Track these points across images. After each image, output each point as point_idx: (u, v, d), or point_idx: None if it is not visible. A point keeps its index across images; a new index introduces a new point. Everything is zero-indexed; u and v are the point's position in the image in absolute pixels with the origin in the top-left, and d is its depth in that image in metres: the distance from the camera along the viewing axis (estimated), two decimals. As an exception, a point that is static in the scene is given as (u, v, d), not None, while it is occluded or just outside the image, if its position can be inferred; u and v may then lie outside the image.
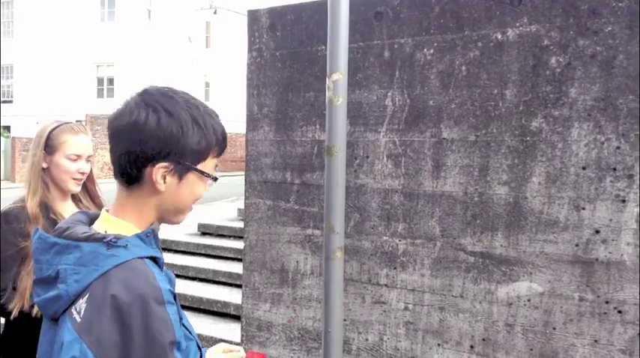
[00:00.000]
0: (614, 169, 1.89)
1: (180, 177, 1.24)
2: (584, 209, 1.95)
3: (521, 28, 2.05)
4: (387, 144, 2.37)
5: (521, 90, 2.05)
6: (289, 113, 2.66)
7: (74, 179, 2.03)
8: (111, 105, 29.25)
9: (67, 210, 2.05)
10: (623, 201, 1.88)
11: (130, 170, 1.22)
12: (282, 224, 2.68)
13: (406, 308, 2.34)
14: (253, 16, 2.81)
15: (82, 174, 2.03)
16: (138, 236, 1.21)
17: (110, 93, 30.28)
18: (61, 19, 31.73)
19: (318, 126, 2.56)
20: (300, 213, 2.62)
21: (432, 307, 2.28)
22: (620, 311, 1.91)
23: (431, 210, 2.26)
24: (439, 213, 2.25)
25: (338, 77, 1.92)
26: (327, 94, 1.92)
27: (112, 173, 1.29)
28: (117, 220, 1.25)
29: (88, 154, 2.03)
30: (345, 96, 1.93)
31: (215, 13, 34.08)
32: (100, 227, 1.25)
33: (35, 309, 1.87)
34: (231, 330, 4.98)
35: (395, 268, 2.36)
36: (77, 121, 2.23)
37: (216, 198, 12.33)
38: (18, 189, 2.32)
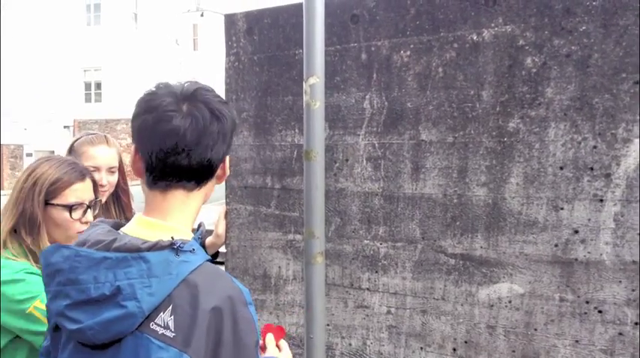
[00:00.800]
0: (592, 169, 1.89)
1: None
2: (562, 209, 1.94)
3: (496, 29, 2.04)
4: (367, 147, 2.35)
5: (498, 91, 2.04)
6: (268, 117, 2.63)
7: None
8: (98, 110, 29.22)
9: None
10: (601, 200, 1.88)
11: (207, 172, 1.24)
12: (264, 229, 2.65)
13: (389, 312, 2.32)
14: (230, 20, 2.79)
15: (101, 186, 1.97)
16: (194, 239, 1.19)
17: (98, 98, 30.13)
18: (47, 24, 31.53)
19: (297, 131, 2.54)
20: (282, 218, 2.60)
21: (414, 310, 2.26)
22: (600, 311, 1.91)
23: (411, 213, 2.25)
24: (419, 215, 2.23)
25: (315, 81, 1.91)
26: (305, 98, 1.91)
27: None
28: (167, 224, 1.20)
29: (107, 166, 1.97)
30: (322, 99, 1.91)
31: (202, 15, 33.99)
32: (146, 233, 1.18)
33: None
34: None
35: (377, 272, 2.35)
36: (97, 133, 2.13)
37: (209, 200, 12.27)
38: (4, 197, 2.28)
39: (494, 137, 2.05)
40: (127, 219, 2.06)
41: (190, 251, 1.13)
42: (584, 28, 1.87)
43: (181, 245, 1.12)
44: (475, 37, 2.09)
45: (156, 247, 1.10)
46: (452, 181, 2.15)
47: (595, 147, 1.88)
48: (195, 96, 1.25)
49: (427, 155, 2.20)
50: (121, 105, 28.82)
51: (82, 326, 1.10)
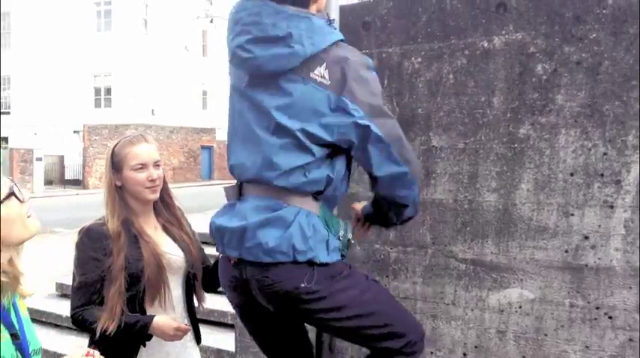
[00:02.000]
0: (602, 175, 1.90)
1: None
2: (572, 215, 1.96)
3: (507, 36, 2.06)
4: (377, 153, 2.37)
5: (508, 98, 2.06)
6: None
7: (147, 188, 1.99)
8: (108, 115, 29.33)
9: (148, 223, 2.01)
10: (612, 206, 1.89)
11: None
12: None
13: (399, 317, 2.34)
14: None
15: (153, 180, 1.98)
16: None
17: (107, 103, 30.29)
18: (57, 29, 31.79)
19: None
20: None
21: (425, 315, 2.27)
22: (610, 317, 1.91)
23: (422, 218, 2.26)
24: (430, 220, 2.25)
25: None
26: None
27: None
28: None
29: (153, 160, 1.97)
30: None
31: (211, 21, 34.17)
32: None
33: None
34: (227, 340, 4.97)
35: (387, 276, 2.36)
36: (134, 133, 2.13)
37: (197, 209, 11.62)
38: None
39: (505, 143, 2.07)
40: (175, 218, 2.06)
41: (335, 28, 1.57)
42: (594, 35, 1.89)
43: (331, 20, 1.57)
44: (486, 44, 2.11)
45: (315, 15, 1.52)
46: (462, 187, 2.17)
47: (605, 154, 1.89)
48: None
49: (438, 161, 2.22)
50: (130, 110, 28.98)
51: (255, 55, 1.48)
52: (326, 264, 1.48)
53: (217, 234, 1.59)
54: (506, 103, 2.06)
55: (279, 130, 1.49)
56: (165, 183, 2.04)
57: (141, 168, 1.95)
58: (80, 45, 30.56)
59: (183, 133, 29.42)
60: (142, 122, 27.96)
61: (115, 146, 2.01)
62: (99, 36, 30.64)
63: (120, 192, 1.98)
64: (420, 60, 2.27)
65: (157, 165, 1.99)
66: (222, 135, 29.87)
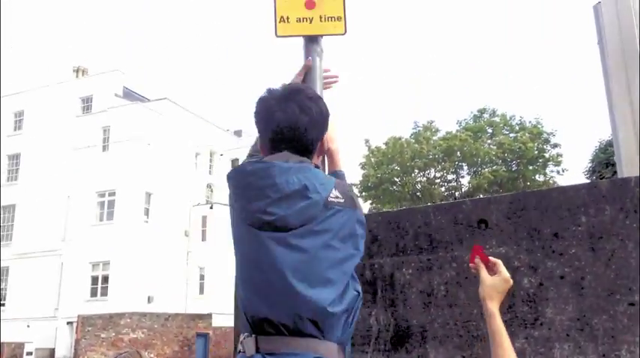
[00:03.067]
0: (603, 391, 1.87)
1: None
2: None
3: (491, 250, 2.15)
4: (375, 365, 2.34)
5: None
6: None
7: None
8: (104, 305, 28.88)
9: None
10: None
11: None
12: None
13: None
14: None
15: None
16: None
17: (104, 292, 30.04)
18: (59, 220, 32.62)
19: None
20: None
21: None
22: None
23: None
24: None
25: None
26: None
27: None
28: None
29: None
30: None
31: (211, 208, 35.30)
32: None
33: None
34: None
35: None
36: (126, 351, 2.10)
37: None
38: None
39: None
40: None
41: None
42: (573, 251, 1.98)
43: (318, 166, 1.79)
44: (472, 258, 2.19)
45: (313, 164, 1.74)
46: (463, 403, 2.11)
47: (602, 367, 1.88)
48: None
49: (436, 374, 2.19)
50: (126, 298, 28.67)
51: (280, 216, 1.59)
52: None
53: None
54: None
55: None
56: None
57: None
58: (81, 235, 31.13)
59: (179, 320, 28.81)
60: (137, 310, 27.50)
61: None
62: (100, 227, 31.31)
63: None
64: (410, 271, 2.34)
65: None
66: (219, 321, 29.22)
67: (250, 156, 2.04)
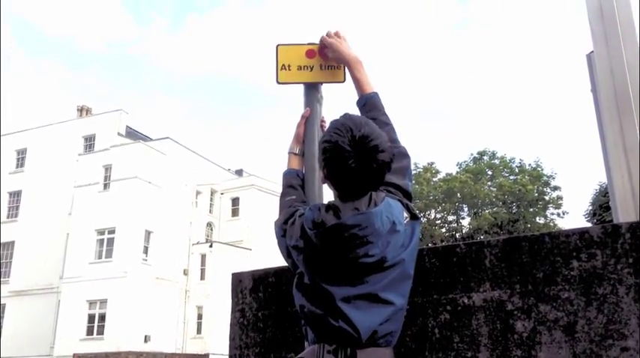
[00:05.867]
0: None
1: None
2: None
3: (485, 293, 2.17)
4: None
5: (494, 354, 2.10)
6: (271, 376, 2.64)
7: None
8: (100, 343, 28.51)
9: None
10: None
11: None
12: None
13: None
14: (237, 279, 2.96)
15: None
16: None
17: (100, 331, 29.67)
18: (57, 257, 32.47)
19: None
20: None
21: None
22: None
23: None
24: None
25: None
26: None
27: None
28: None
29: None
30: None
31: (211, 246, 35.19)
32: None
33: None
34: None
35: None
36: None
37: None
38: None
39: (496, 402, 2.05)
40: None
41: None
42: (566, 295, 2.00)
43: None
44: (466, 301, 2.21)
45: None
46: None
47: (596, 414, 1.87)
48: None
49: (430, 419, 2.18)
50: (123, 337, 28.31)
51: (381, 256, 1.84)
52: None
53: None
54: (492, 359, 2.10)
55: None
56: None
57: None
58: (80, 273, 30.92)
59: (176, 361, 28.38)
60: (134, 349, 27.13)
61: None
62: (97, 266, 31.11)
63: None
64: (405, 314, 2.35)
65: None
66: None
67: (290, 205, 2.21)
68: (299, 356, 1.93)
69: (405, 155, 2.17)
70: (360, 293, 1.83)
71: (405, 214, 1.91)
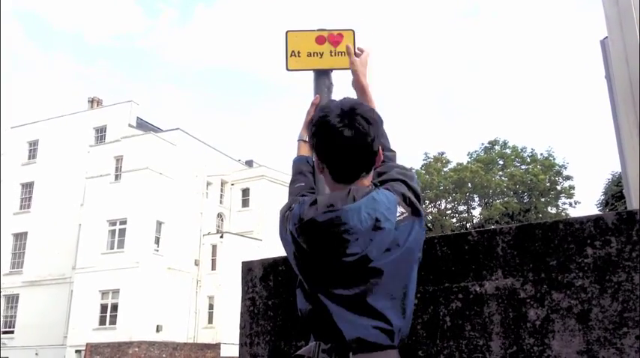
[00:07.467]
0: None
1: None
2: None
3: (497, 281, 2.15)
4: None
5: (506, 343, 2.08)
6: (281, 364, 2.64)
7: None
8: (112, 333, 28.79)
9: None
10: None
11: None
12: None
13: None
14: (247, 267, 2.95)
15: None
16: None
17: (113, 321, 29.93)
18: (70, 246, 32.72)
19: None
20: None
21: None
22: None
23: None
24: None
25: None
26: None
27: None
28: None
29: None
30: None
31: (222, 237, 35.31)
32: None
33: None
34: None
35: None
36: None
37: None
38: None
39: (508, 390, 2.03)
40: None
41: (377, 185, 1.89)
42: (580, 283, 1.98)
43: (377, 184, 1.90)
44: (478, 289, 2.19)
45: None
46: None
47: (610, 402, 1.85)
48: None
49: (442, 407, 2.16)
50: (135, 327, 28.55)
51: (368, 249, 1.73)
52: None
53: None
54: (505, 348, 2.08)
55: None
56: None
57: None
58: (92, 263, 31.16)
59: (187, 350, 28.60)
60: (146, 339, 27.34)
61: None
62: (109, 256, 31.32)
63: None
64: (416, 302, 2.34)
65: None
66: (227, 350, 28.95)
67: (297, 193, 2.17)
68: (298, 352, 1.89)
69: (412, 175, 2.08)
70: (347, 294, 1.76)
71: (402, 209, 1.80)
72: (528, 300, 2.06)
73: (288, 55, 2.66)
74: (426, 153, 43.26)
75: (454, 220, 41.19)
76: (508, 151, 42.42)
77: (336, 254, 1.75)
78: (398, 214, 1.78)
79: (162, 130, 36.87)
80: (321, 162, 1.88)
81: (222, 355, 29.08)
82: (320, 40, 2.66)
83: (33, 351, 31.01)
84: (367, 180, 1.89)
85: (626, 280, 1.90)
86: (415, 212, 1.83)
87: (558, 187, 40.44)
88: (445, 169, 40.96)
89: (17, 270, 34.40)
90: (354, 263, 1.74)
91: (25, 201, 36.57)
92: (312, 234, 1.78)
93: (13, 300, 33.76)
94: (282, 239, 1.98)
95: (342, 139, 1.78)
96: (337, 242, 1.74)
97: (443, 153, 42.46)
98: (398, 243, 1.77)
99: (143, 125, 37.62)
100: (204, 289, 34.21)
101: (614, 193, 23.85)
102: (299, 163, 2.39)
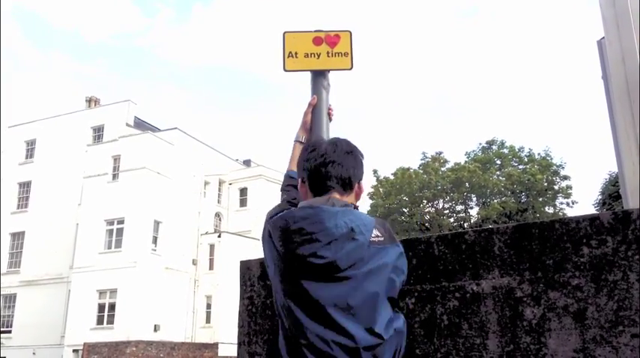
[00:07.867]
0: None
1: None
2: None
3: (494, 280, 2.16)
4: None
5: (502, 341, 2.10)
6: (279, 363, 2.65)
7: None
8: (110, 333, 28.77)
9: None
10: None
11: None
12: None
13: None
14: (245, 266, 2.96)
15: None
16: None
17: (110, 320, 29.90)
18: (67, 247, 32.69)
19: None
20: None
21: None
22: None
23: None
24: None
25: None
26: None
27: None
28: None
29: None
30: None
31: (219, 236, 35.31)
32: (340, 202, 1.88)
33: None
34: None
35: None
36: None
37: None
38: None
39: (504, 388, 2.05)
40: None
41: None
42: (576, 282, 1.99)
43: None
44: (475, 288, 2.20)
45: (353, 206, 1.89)
46: None
47: (606, 400, 1.87)
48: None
49: (439, 406, 2.18)
50: (133, 326, 28.54)
51: (331, 259, 1.69)
52: None
53: None
54: (501, 346, 2.09)
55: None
56: None
57: None
58: (89, 263, 31.14)
59: (185, 349, 28.60)
60: (143, 339, 27.33)
61: None
62: (107, 256, 31.31)
63: None
64: (413, 300, 2.35)
65: None
66: (224, 350, 28.96)
67: (287, 201, 2.24)
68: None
69: None
70: (313, 299, 1.75)
71: (377, 233, 1.81)
72: (525, 299, 2.08)
73: (286, 55, 2.68)
74: (423, 153, 43.33)
75: (452, 220, 41.23)
76: (506, 151, 42.49)
77: (303, 252, 1.73)
78: (373, 235, 1.80)
79: (159, 130, 36.86)
80: (304, 179, 1.99)
81: (219, 354, 29.08)
82: (317, 41, 2.67)
83: (30, 351, 30.97)
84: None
85: (621, 279, 1.92)
86: (392, 239, 1.87)
87: (556, 187, 40.51)
88: (443, 169, 41.00)
89: (15, 270, 34.35)
90: (321, 266, 1.72)
91: (23, 201, 36.53)
92: (285, 228, 1.79)
93: (10, 300, 33.73)
94: (262, 243, 2.01)
95: (329, 158, 1.93)
96: (309, 241, 1.73)
97: (441, 153, 42.51)
98: (366, 260, 1.75)
99: (141, 124, 37.60)
100: (202, 288, 34.21)
101: (612, 193, 23.92)
102: (286, 177, 2.47)
